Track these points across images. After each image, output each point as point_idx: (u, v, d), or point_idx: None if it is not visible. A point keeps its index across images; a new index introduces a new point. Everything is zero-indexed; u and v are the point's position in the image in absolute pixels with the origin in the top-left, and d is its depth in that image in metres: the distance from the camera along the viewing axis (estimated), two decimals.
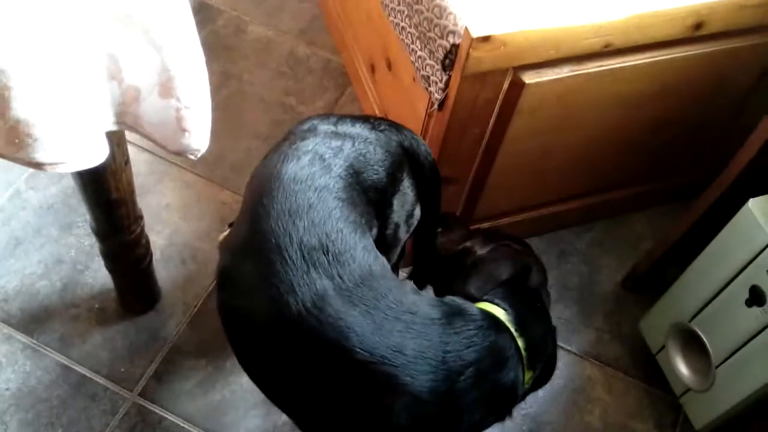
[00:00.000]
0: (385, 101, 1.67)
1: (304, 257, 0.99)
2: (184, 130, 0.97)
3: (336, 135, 1.13)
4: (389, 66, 1.57)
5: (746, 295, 1.24)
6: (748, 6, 1.29)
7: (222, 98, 1.84)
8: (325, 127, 1.14)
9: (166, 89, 0.92)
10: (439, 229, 1.31)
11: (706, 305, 1.34)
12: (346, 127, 1.15)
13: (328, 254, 1.00)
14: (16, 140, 0.78)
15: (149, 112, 0.94)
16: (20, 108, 0.77)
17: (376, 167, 1.13)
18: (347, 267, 1.00)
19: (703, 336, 1.36)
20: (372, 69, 1.70)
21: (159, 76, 0.90)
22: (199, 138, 1.00)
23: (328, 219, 1.02)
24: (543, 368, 1.17)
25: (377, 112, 1.71)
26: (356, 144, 1.12)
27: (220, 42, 1.96)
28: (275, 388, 1.07)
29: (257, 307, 1.00)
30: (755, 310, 1.23)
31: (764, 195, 1.24)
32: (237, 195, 1.67)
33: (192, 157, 1.02)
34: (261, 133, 1.80)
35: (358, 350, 0.95)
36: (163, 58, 0.89)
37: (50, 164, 0.82)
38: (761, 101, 1.43)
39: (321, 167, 1.07)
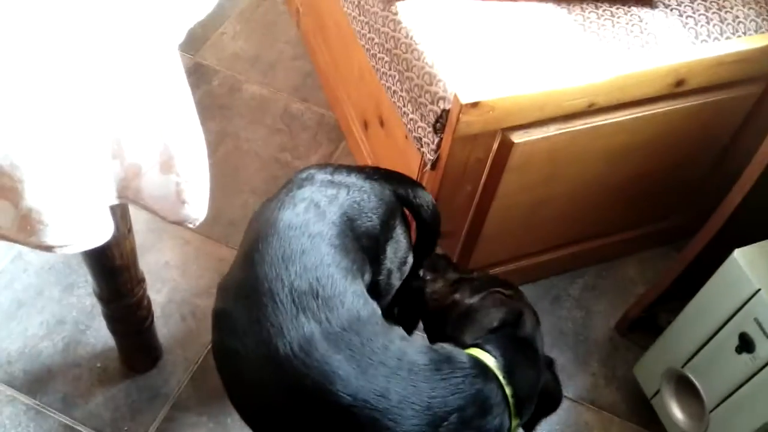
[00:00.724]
0: (379, 157, 1.71)
1: (294, 301, 1.02)
2: (183, 202, 1.00)
3: (332, 183, 1.17)
4: (382, 123, 1.61)
5: (736, 342, 1.26)
6: (725, 63, 1.34)
7: (219, 156, 1.88)
8: (322, 176, 1.19)
9: (166, 165, 0.95)
10: (429, 277, 1.32)
11: (698, 351, 1.36)
12: (342, 177, 1.19)
13: (317, 298, 1.03)
14: (28, 227, 0.81)
15: (150, 186, 0.97)
16: (32, 198, 0.80)
17: (369, 215, 1.16)
18: (336, 311, 1.03)
19: (696, 381, 1.38)
20: (365, 125, 1.75)
21: (160, 155, 0.94)
22: (197, 208, 1.04)
23: (320, 264, 1.05)
24: (545, 400, 1.19)
25: None
26: (351, 192, 1.16)
27: (215, 101, 2.00)
28: (265, 429, 1.10)
29: (248, 349, 1.03)
30: (745, 356, 1.25)
31: (749, 245, 1.26)
32: (235, 251, 1.69)
33: (190, 225, 1.05)
34: (258, 189, 1.83)
35: (342, 394, 0.98)
36: (164, 138, 0.93)
37: (60, 246, 0.85)
38: (743, 148, 1.47)
39: (316, 214, 1.11)
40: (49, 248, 0.85)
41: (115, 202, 0.98)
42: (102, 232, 0.94)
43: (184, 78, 0.94)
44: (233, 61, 2.11)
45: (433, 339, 1.26)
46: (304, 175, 1.20)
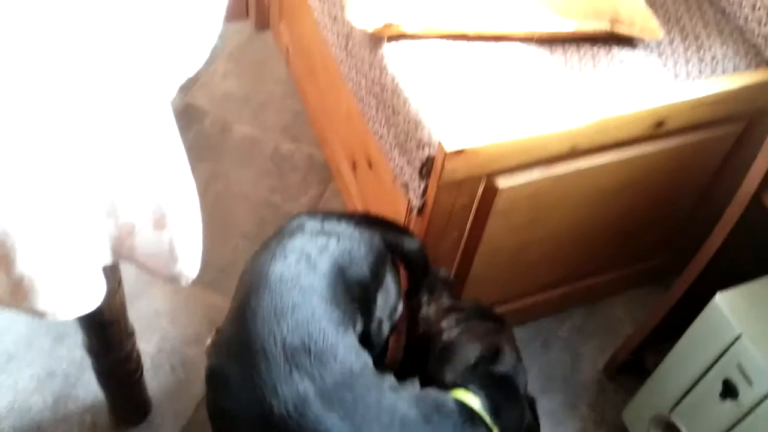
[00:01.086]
0: (367, 198, 1.72)
1: (287, 358, 1.02)
2: (176, 259, 1.01)
3: (322, 233, 1.18)
4: (370, 165, 1.62)
5: (720, 388, 1.25)
6: (705, 104, 1.37)
7: (209, 199, 1.88)
8: (312, 224, 1.19)
9: (159, 223, 0.96)
10: (425, 299, 1.32)
11: (684, 397, 1.35)
12: (332, 225, 1.20)
13: (310, 354, 1.03)
14: (20, 293, 0.82)
15: (143, 243, 0.98)
16: (24, 265, 0.81)
17: (360, 263, 1.17)
18: (328, 366, 1.03)
19: (682, 428, 1.37)
20: (354, 166, 1.76)
21: (153, 213, 0.95)
22: (190, 264, 1.04)
23: (312, 318, 1.06)
24: None
25: (359, 208, 1.76)
26: (341, 241, 1.17)
27: (206, 142, 2.01)
28: None
29: (243, 410, 1.03)
30: (729, 403, 1.24)
31: (731, 288, 1.26)
32: (226, 297, 1.69)
33: (184, 283, 1.05)
34: (248, 233, 1.83)
35: None
36: (158, 198, 0.93)
37: (52, 313, 0.86)
38: (725, 186, 1.49)
39: (307, 265, 1.11)
40: (41, 314, 0.85)
41: (110, 261, 0.98)
42: (94, 297, 0.94)
43: (177, 134, 0.95)
44: (224, 101, 2.12)
45: (413, 370, 1.26)
46: (294, 224, 1.21)
